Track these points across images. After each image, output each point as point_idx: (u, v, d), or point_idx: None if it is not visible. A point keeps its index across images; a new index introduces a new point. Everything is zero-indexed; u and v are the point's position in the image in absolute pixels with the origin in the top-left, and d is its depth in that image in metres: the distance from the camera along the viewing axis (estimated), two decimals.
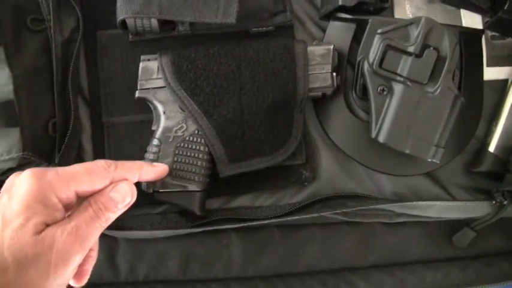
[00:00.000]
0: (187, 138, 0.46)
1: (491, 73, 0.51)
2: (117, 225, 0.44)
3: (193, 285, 0.50)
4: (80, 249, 0.35)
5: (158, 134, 0.46)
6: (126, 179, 0.39)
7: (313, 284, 0.50)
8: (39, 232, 0.33)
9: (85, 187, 0.36)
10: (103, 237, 0.49)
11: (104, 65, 0.50)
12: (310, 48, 0.47)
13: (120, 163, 0.39)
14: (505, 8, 0.45)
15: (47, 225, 0.34)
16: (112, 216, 0.38)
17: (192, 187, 0.46)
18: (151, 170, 0.42)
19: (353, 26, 0.50)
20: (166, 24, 0.48)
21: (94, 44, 0.50)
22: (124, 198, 0.38)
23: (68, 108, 0.48)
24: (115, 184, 0.38)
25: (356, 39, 0.50)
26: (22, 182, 0.35)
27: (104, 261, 0.50)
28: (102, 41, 0.50)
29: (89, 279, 0.49)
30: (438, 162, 0.46)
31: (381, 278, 0.50)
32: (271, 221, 0.47)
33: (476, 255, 0.51)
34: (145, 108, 0.48)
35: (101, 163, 0.38)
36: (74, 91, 0.49)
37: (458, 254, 0.51)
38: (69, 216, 0.36)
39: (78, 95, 0.51)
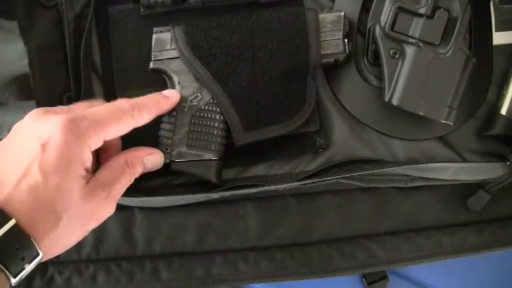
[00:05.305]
0: (202, 107, 0.47)
1: (500, 38, 0.52)
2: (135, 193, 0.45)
3: (210, 257, 0.50)
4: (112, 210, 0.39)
5: None
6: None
7: (330, 252, 0.50)
8: (83, 187, 0.36)
9: (112, 135, 0.38)
10: (119, 210, 0.49)
11: (116, 39, 0.50)
12: (321, 16, 0.47)
13: (141, 104, 0.41)
14: None
15: (83, 177, 0.36)
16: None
17: (208, 156, 0.46)
18: (167, 104, 0.45)
19: None
20: None
21: (105, 19, 0.51)
22: (153, 167, 0.43)
23: (81, 82, 0.48)
24: (151, 151, 0.43)
25: (365, 7, 0.50)
26: (55, 134, 0.35)
27: (120, 234, 0.50)
28: (114, 16, 0.50)
29: (106, 253, 0.50)
30: (452, 124, 0.46)
31: (397, 244, 0.50)
32: (288, 185, 0.47)
33: (491, 218, 0.51)
34: (158, 81, 0.48)
35: (125, 107, 0.39)
36: (87, 66, 0.49)
37: (473, 218, 0.51)
38: (103, 170, 0.39)
39: (91, 70, 0.51)
